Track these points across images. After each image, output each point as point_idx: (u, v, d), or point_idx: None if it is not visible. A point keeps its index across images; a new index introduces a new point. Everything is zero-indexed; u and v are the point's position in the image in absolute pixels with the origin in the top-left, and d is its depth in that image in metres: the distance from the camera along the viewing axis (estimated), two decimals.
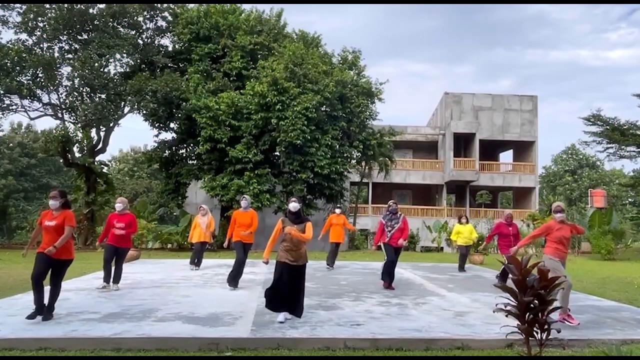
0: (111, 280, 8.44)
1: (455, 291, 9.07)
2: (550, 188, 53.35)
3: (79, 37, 20.99)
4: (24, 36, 20.18)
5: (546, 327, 4.49)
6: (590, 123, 25.08)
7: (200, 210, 11.95)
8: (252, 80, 20.39)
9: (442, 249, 23.94)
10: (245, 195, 9.54)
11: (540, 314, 4.52)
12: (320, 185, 20.71)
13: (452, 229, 13.89)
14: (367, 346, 5.24)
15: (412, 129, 33.09)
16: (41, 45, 20.38)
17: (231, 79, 21.47)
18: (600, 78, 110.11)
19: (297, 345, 5.22)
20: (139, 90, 19.52)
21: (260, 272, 11.32)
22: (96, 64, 19.41)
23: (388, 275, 9.26)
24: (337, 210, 12.89)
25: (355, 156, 23.18)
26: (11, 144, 35.86)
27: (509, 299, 4.66)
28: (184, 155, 23.69)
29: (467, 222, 13.43)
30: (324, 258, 13.40)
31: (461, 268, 12.83)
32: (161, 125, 22.64)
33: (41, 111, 21.22)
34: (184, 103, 20.13)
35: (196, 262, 11.74)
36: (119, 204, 8.68)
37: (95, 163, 21.72)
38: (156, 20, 22.31)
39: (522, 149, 33.38)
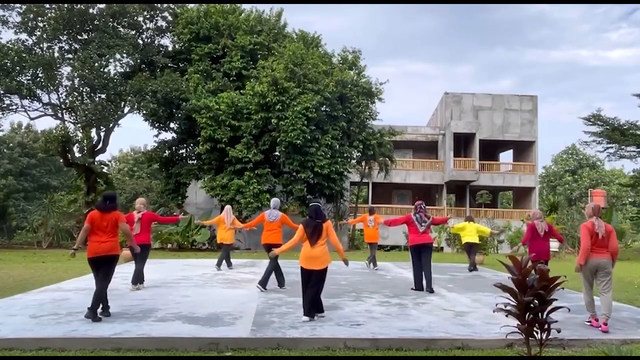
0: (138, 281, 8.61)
1: (455, 291, 9.07)
2: (550, 188, 53.32)
3: (79, 37, 20.98)
4: (24, 36, 20.22)
5: (546, 327, 4.49)
6: (590, 123, 25.04)
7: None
8: (252, 80, 20.40)
9: (442, 249, 23.91)
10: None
11: (540, 314, 4.52)
12: (320, 185, 20.71)
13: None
14: (367, 346, 5.24)
15: (412, 129, 33.06)
16: (41, 45, 20.37)
17: (231, 79, 21.47)
18: (600, 78, 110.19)
19: (297, 345, 5.22)
20: (139, 90, 19.52)
21: (260, 272, 11.27)
22: (96, 64, 19.42)
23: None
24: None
25: (355, 156, 23.17)
26: (11, 144, 35.78)
27: (509, 299, 4.66)
28: (184, 155, 23.71)
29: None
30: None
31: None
32: (161, 125, 22.65)
33: (41, 111, 21.22)
34: (184, 103, 20.14)
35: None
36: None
37: (95, 163, 21.72)
38: (156, 20, 22.32)
39: (522, 149, 33.35)
